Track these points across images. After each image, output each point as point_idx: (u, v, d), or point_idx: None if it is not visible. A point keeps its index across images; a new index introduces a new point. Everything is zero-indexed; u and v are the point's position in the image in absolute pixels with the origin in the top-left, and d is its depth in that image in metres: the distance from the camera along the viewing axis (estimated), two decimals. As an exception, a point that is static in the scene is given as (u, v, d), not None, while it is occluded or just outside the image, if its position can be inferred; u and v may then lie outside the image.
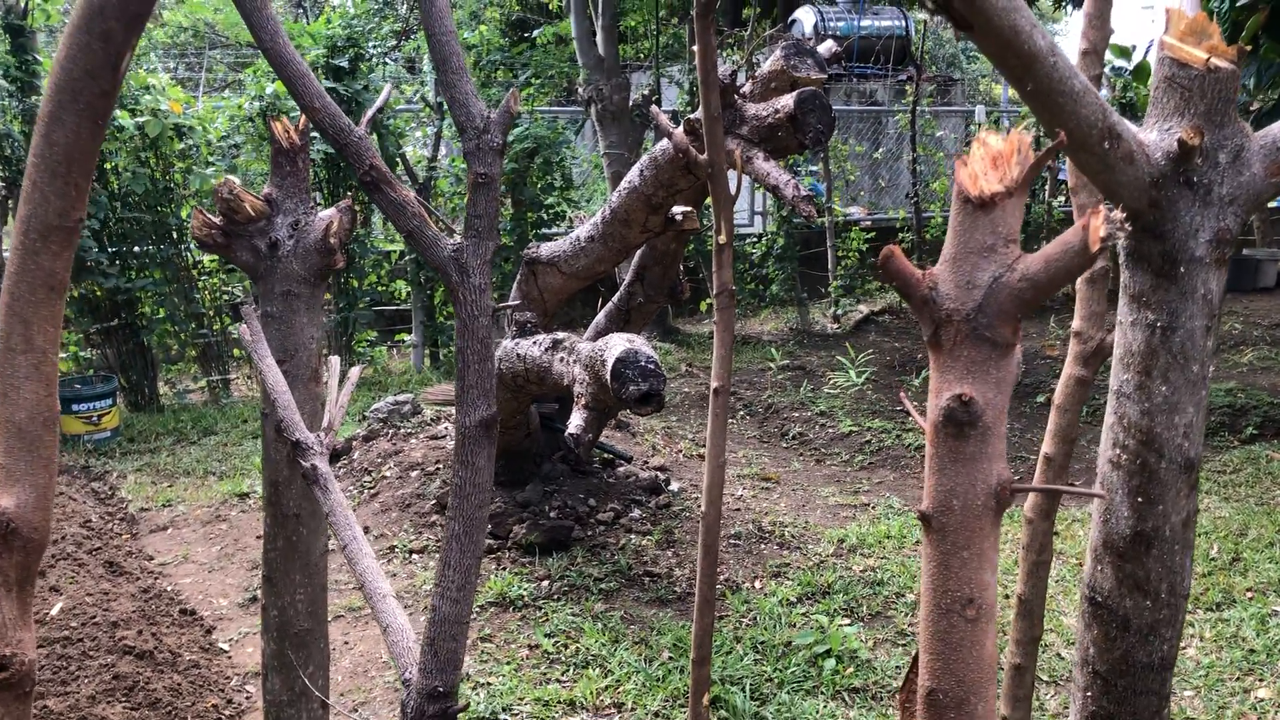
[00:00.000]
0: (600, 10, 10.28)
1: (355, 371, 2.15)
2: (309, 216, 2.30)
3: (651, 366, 3.81)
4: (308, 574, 2.38)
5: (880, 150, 14.11)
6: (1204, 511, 5.69)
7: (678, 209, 4.46)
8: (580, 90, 10.60)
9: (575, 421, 4.07)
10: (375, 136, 8.49)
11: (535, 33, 10.73)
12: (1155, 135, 1.84)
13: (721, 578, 4.93)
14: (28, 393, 1.22)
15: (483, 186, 1.64)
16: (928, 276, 1.17)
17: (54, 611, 4.17)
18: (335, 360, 2.16)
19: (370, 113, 1.98)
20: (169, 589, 4.86)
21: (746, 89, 3.95)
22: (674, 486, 6.10)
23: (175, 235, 8.43)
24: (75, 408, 7.23)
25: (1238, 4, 4.05)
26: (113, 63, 1.17)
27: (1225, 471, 6.51)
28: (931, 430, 1.17)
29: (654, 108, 2.96)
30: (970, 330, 1.14)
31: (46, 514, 1.23)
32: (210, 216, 2.32)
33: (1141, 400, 1.92)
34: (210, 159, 8.49)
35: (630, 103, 10.31)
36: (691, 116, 3.92)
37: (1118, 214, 1.08)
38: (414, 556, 5.20)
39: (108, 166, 7.94)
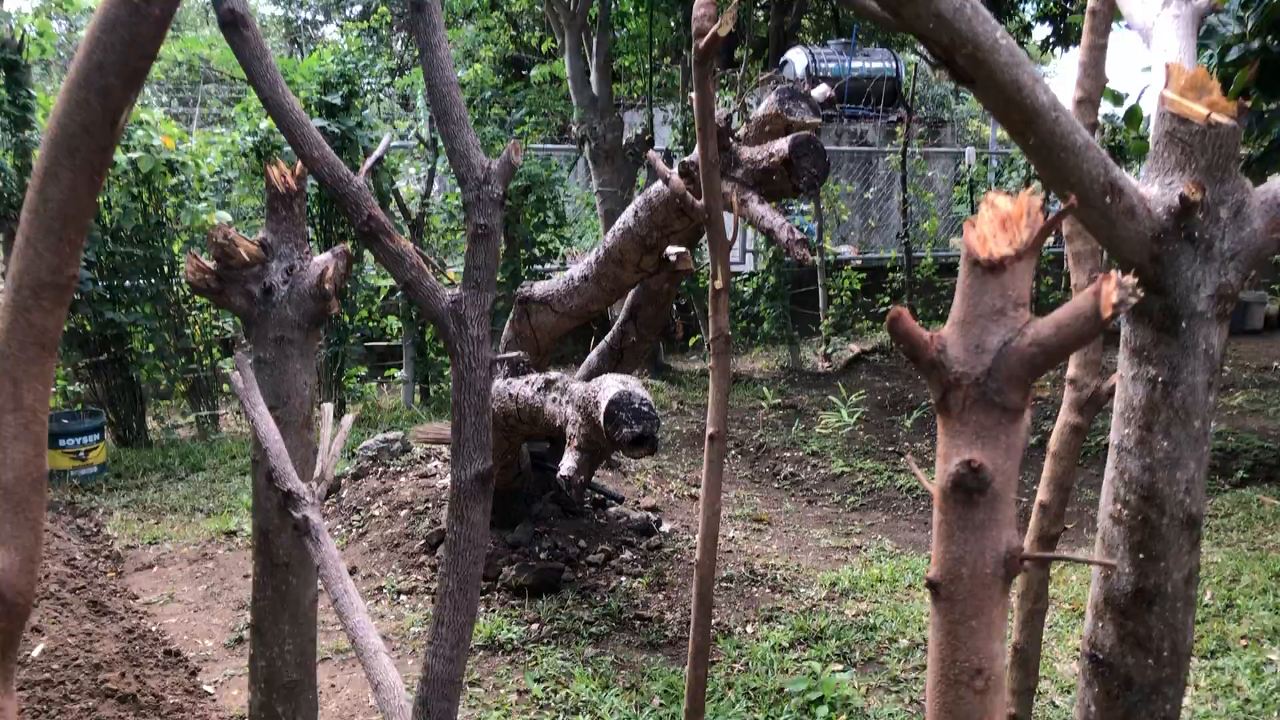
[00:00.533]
0: (594, 50, 10.36)
1: (348, 419, 2.12)
2: (304, 262, 2.28)
3: (645, 409, 3.78)
4: (297, 624, 2.34)
5: (871, 190, 14.20)
6: (1197, 556, 5.65)
7: (672, 250, 4.46)
8: (574, 129, 10.66)
9: (567, 463, 4.04)
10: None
11: (532, 72, 10.82)
12: (1156, 190, 1.83)
13: (713, 622, 4.88)
14: (15, 453, 1.19)
15: (482, 238, 1.62)
16: (936, 339, 1.16)
17: (35, 653, 4.10)
18: (328, 407, 2.13)
19: (369, 163, 1.96)
20: (154, 629, 4.78)
21: (741, 132, 3.96)
22: (665, 528, 6.05)
23: (166, 270, 8.40)
24: (62, 442, 7.16)
25: (1226, 59, 4.10)
26: (111, 119, 1.15)
27: (1217, 516, 6.48)
28: (940, 496, 1.15)
29: (650, 152, 2.95)
30: (980, 395, 1.12)
31: (31, 578, 1.19)
32: (204, 261, 2.30)
33: (1143, 455, 1.91)
34: (203, 194, 8.48)
35: (623, 141, 10.37)
36: (687, 160, 3.93)
37: (1130, 279, 1.06)
38: (402, 597, 5.14)
39: (100, 201, 7.92)
